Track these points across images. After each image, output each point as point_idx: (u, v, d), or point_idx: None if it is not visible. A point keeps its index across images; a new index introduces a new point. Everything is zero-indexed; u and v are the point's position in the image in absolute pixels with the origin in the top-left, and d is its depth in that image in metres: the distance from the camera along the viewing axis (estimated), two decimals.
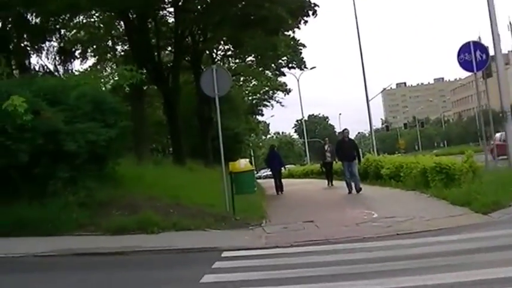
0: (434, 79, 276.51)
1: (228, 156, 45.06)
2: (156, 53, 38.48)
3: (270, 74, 58.15)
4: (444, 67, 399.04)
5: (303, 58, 48.06)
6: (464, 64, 21.24)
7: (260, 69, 54.61)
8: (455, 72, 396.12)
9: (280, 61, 48.70)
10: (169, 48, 43.20)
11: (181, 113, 40.40)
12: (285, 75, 52.18)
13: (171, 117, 38.29)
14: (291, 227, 16.56)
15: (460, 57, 21.15)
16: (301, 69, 48.68)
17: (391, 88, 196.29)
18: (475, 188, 18.06)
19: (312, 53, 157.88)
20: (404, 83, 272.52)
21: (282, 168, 35.64)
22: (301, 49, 47.44)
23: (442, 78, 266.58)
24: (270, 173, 37.96)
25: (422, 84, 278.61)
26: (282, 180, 33.50)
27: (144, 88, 36.00)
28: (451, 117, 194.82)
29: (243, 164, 19.75)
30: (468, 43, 21.07)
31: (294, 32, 41.40)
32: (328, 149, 33.74)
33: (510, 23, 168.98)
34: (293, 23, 36.28)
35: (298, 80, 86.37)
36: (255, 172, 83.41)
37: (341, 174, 30.08)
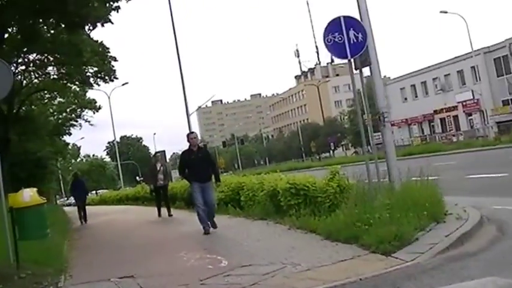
0: (251, 95, 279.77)
1: (31, 184, 39.58)
2: None
3: (77, 88, 52.04)
4: (261, 83, 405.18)
5: (113, 67, 42.41)
6: (334, 48, 14.70)
7: (65, 82, 48.42)
8: (272, 88, 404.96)
9: (87, 72, 42.87)
10: None
11: None
12: (92, 87, 46.02)
13: None
14: None
15: (328, 38, 14.79)
16: (111, 79, 42.67)
17: (206, 106, 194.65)
18: (355, 214, 12.97)
19: (124, 70, 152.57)
20: (220, 101, 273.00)
21: (86, 195, 33.87)
22: (110, 58, 41.86)
23: (260, 94, 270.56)
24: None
25: (238, 101, 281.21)
26: (86, 208, 32.01)
27: None
28: (271, 133, 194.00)
29: (27, 195, 13.09)
30: (338, 18, 14.76)
31: (103, 25, 35.33)
32: (160, 169, 27.20)
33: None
34: (101, 9, 31.24)
35: (109, 98, 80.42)
36: (61, 200, 77.15)
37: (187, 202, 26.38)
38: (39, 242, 14.31)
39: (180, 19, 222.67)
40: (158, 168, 27.12)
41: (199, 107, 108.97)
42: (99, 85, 45.06)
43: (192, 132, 18.23)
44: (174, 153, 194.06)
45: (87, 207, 33.01)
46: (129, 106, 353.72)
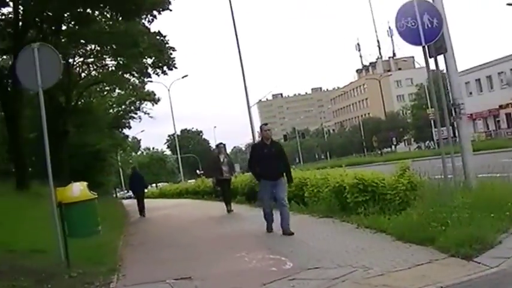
0: (312, 89, 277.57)
1: (89, 177, 39.29)
2: None
3: (136, 80, 51.50)
4: (322, 77, 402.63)
5: (171, 55, 41.49)
6: (407, 34, 13.33)
7: (125, 74, 47.96)
8: (333, 82, 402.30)
9: (145, 63, 42.16)
10: None
11: (30, 126, 34.98)
12: (150, 77, 45.15)
13: (12, 130, 30.89)
14: None
15: (400, 23, 13.53)
16: (170, 69, 41.70)
17: (267, 99, 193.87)
18: (430, 214, 11.91)
19: (183, 62, 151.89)
20: (281, 94, 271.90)
21: (145, 189, 34.27)
22: (169, 48, 40.98)
23: (320, 88, 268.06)
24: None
25: (299, 94, 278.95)
26: (145, 201, 31.92)
27: None
28: (332, 127, 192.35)
29: (77, 190, 12.18)
30: (411, 2, 13.50)
31: (160, 12, 34.73)
32: (224, 161, 25.20)
33: (390, 28, 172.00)
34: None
35: (169, 90, 79.54)
36: (121, 193, 76.86)
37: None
38: (93, 238, 13.60)
39: (241, 11, 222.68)
40: (222, 160, 25.17)
41: (260, 100, 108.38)
42: (158, 75, 44.13)
43: (266, 124, 15.82)
44: (234, 147, 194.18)
45: (146, 200, 32.65)
46: (189, 99, 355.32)
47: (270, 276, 10.24)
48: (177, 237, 18.24)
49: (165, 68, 42.02)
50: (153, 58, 40.81)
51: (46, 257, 12.65)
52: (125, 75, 48.14)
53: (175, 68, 42.43)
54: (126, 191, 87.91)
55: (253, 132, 42.01)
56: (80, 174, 42.55)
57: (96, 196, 11.52)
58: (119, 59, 42.80)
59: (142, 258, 14.40)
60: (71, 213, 11.72)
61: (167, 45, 40.74)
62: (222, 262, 12.43)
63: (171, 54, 41.42)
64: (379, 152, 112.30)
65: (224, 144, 25.78)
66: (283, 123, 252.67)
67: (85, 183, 11.54)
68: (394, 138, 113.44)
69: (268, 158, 14.73)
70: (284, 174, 15.40)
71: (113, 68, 46.52)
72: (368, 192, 15.20)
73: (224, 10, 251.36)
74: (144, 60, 41.04)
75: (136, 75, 47.51)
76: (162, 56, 40.68)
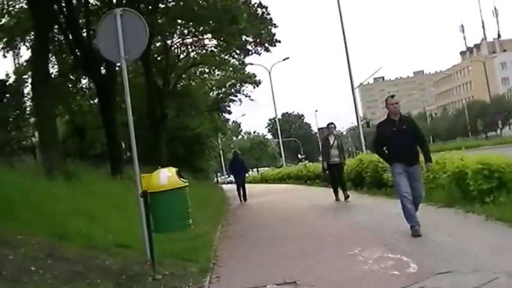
0: (414, 72, 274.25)
1: (189, 162, 38.03)
2: (85, 34, 30.24)
3: (236, 62, 50.23)
4: (423, 59, 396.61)
5: (271, 30, 39.90)
6: None
7: (224, 55, 46.81)
8: (436, 65, 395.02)
9: (245, 40, 40.67)
10: None
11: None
12: (252, 62, 43.94)
13: (107, 115, 29.77)
14: None
15: None
16: (271, 44, 40.20)
17: (368, 83, 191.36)
18: None
19: (285, 45, 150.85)
20: (382, 77, 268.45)
21: (246, 173, 34.00)
22: (270, 22, 39.45)
23: (422, 71, 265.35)
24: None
25: (401, 78, 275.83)
26: (246, 186, 31.85)
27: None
28: (434, 111, 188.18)
29: (164, 177, 10.33)
30: None
31: None
32: (334, 143, 22.45)
33: (495, 9, 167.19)
34: None
35: (269, 73, 77.72)
36: (222, 178, 75.99)
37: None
38: (185, 231, 11.99)
39: None
40: (332, 142, 22.40)
41: (361, 84, 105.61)
42: (259, 54, 43.19)
43: (393, 96, 12.96)
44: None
45: (247, 185, 32.00)
46: (290, 83, 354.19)
47: (392, 283, 8.38)
48: (280, 230, 16.19)
49: (266, 44, 40.48)
50: (254, 34, 39.20)
51: (130, 253, 11.11)
52: (224, 56, 47.11)
53: (278, 42, 40.93)
54: (227, 176, 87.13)
55: (357, 115, 40.40)
56: (180, 159, 41.93)
57: (187, 184, 9.87)
58: (218, 38, 41.46)
59: (240, 255, 12.67)
60: (157, 203, 9.98)
61: (268, 17, 39.24)
62: (333, 261, 10.57)
63: (271, 28, 39.98)
64: (485, 136, 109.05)
65: (334, 125, 23.35)
66: (385, 107, 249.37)
67: (174, 169, 9.95)
68: (500, 122, 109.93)
69: (398, 138, 12.20)
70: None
71: (212, 48, 45.28)
72: (494, 179, 13.19)
73: None
74: (245, 37, 39.57)
75: (236, 56, 46.31)
76: (264, 30, 39.12)
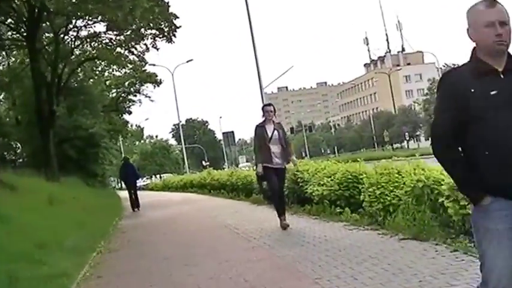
0: (317, 83, 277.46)
1: (81, 165, 33.89)
2: None
3: (136, 58, 46.42)
4: (327, 71, 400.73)
5: (170, 13, 36.58)
6: None
7: (122, 50, 43.70)
8: (339, 76, 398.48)
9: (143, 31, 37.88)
10: None
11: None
12: (153, 58, 40.73)
13: None
14: None
15: None
16: (172, 33, 36.83)
17: (272, 92, 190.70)
18: None
19: (188, 47, 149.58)
20: (286, 87, 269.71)
21: (137, 180, 31.85)
22: (170, 14, 36.28)
23: (325, 83, 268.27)
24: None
25: (304, 88, 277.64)
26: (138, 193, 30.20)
27: None
28: (338, 121, 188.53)
29: None
30: None
31: None
32: (275, 136, 13.79)
33: (399, 22, 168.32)
34: None
35: (172, 75, 74.11)
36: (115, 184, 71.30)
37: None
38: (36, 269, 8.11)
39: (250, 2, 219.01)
40: (270, 134, 13.76)
41: (265, 93, 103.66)
42: (157, 49, 40.63)
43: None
44: (239, 139, 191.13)
45: (148, 193, 28.79)
46: (194, 87, 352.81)
47: None
48: (179, 272, 10.23)
49: (166, 34, 37.11)
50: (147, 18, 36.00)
51: None
52: (122, 51, 44.15)
53: (178, 27, 38.37)
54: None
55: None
56: (72, 162, 37.97)
57: None
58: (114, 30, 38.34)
59: None
60: None
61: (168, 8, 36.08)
62: None
63: (173, 18, 37.27)
64: (391, 147, 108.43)
65: (274, 107, 13.97)
66: (288, 116, 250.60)
67: None
68: (406, 133, 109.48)
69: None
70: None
71: (107, 40, 42.12)
72: None
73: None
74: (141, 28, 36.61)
75: (135, 52, 42.70)
76: (160, 16, 35.74)
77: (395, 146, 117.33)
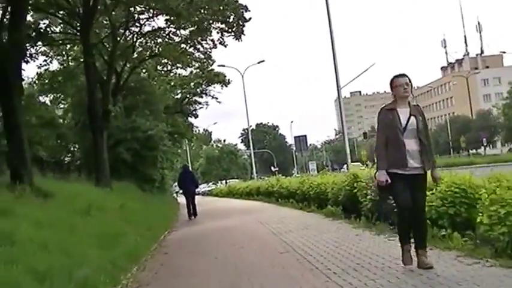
0: None
1: (137, 168, 30.91)
2: None
3: (201, 55, 44.03)
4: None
5: (239, 4, 33.88)
6: None
7: (186, 46, 41.36)
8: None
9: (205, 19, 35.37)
10: None
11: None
12: (222, 58, 38.37)
13: (7, 108, 20.78)
14: None
15: None
16: (240, 24, 34.03)
17: (345, 97, 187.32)
18: None
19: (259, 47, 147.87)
20: (359, 92, 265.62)
21: (196, 187, 31.27)
22: (240, 6, 33.80)
23: None
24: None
25: (377, 93, 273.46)
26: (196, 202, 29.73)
27: None
28: None
29: None
30: None
31: None
32: (414, 126, 9.11)
33: (479, 24, 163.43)
34: None
35: (242, 76, 70.84)
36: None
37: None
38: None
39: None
40: (405, 121, 9.18)
41: (348, 84, 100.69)
42: (225, 46, 37.75)
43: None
44: (310, 144, 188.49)
45: (211, 199, 26.60)
46: (265, 89, 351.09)
47: None
48: None
49: (234, 28, 34.49)
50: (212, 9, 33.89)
51: None
52: (186, 47, 41.81)
53: (246, 21, 35.37)
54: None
55: (343, 126, 34.66)
56: (126, 167, 35.19)
57: None
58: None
59: None
60: None
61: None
62: None
63: (242, 11, 34.34)
64: (467, 154, 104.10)
65: (409, 79, 10.80)
66: (361, 121, 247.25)
67: None
68: (484, 139, 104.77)
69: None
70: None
71: (171, 35, 39.79)
72: None
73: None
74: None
75: (201, 49, 40.10)
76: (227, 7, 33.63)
77: (471, 151, 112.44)
